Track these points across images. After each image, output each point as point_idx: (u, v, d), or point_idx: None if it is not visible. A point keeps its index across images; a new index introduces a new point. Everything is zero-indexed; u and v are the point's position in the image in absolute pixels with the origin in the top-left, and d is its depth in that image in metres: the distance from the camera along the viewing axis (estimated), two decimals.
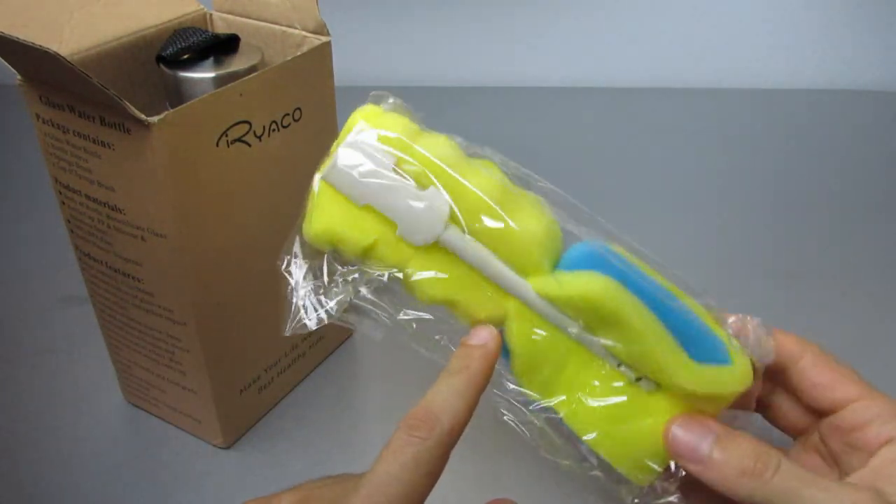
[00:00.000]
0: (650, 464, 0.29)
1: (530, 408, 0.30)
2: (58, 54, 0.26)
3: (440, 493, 0.39)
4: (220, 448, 0.40)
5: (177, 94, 0.36)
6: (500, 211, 0.28)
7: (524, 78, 0.82)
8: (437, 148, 0.29)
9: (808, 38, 0.80)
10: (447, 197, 0.28)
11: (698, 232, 0.59)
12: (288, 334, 0.29)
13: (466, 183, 0.28)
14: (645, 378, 0.29)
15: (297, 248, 0.30)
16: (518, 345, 0.29)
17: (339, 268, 0.29)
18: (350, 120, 0.29)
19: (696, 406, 0.29)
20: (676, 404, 0.29)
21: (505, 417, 0.30)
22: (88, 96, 0.30)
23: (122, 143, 0.31)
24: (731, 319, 0.31)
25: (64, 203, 0.35)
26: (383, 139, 0.28)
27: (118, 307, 0.38)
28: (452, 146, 0.30)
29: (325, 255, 0.29)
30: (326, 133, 0.39)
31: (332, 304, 0.29)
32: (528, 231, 0.29)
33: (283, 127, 0.36)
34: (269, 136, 0.35)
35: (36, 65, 0.30)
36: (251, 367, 0.40)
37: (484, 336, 0.28)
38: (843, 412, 0.30)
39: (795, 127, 0.75)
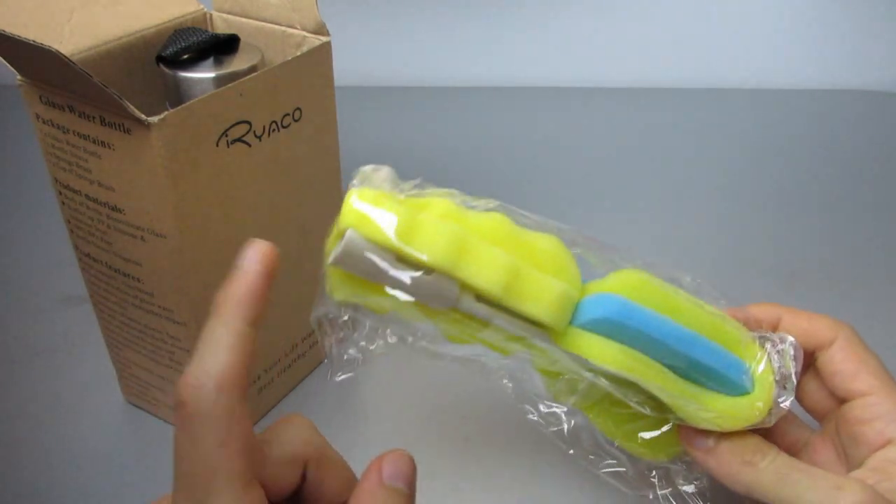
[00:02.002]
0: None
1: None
2: (58, 52, 0.26)
3: (441, 493, 0.39)
4: None
5: (177, 94, 0.36)
6: (518, 279, 0.28)
7: (524, 78, 0.82)
8: (435, 234, 0.27)
9: (808, 38, 0.80)
10: (454, 282, 0.27)
11: (698, 232, 0.59)
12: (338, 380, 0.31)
13: (485, 251, 0.28)
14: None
15: (322, 303, 0.29)
16: (546, 377, 0.33)
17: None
18: (344, 210, 0.27)
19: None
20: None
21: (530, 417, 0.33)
22: (88, 96, 0.30)
23: (122, 143, 0.31)
24: (769, 338, 0.32)
25: (64, 203, 0.35)
26: (380, 240, 0.27)
27: (118, 307, 0.38)
28: (448, 203, 0.29)
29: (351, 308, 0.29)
30: (326, 133, 0.39)
31: (375, 345, 0.30)
32: (547, 290, 0.28)
33: (283, 127, 0.36)
34: (269, 136, 0.35)
35: (36, 64, 0.30)
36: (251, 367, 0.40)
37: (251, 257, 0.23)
38: (853, 403, 0.30)
39: (795, 127, 0.75)
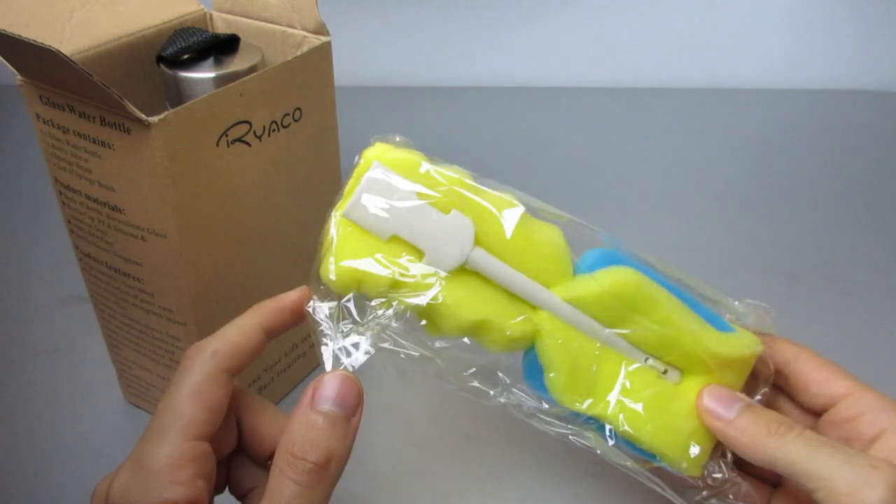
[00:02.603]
0: (694, 446, 0.30)
1: (577, 421, 0.31)
2: (59, 52, 0.26)
3: (443, 492, 0.39)
4: None
5: (177, 94, 0.36)
6: (524, 223, 0.29)
7: (524, 78, 0.82)
8: (452, 174, 0.30)
9: (808, 38, 0.80)
10: (470, 220, 0.29)
11: (698, 232, 0.59)
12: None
13: (486, 204, 0.29)
14: (670, 368, 0.31)
15: (314, 295, 0.29)
16: (555, 358, 0.30)
17: (368, 303, 0.29)
18: (362, 159, 0.30)
19: (723, 381, 0.31)
20: (703, 383, 0.31)
21: (558, 431, 0.31)
22: (89, 96, 0.30)
23: (122, 143, 0.31)
24: (737, 302, 0.33)
25: (64, 203, 0.35)
26: (401, 171, 0.29)
27: (118, 307, 0.38)
28: (465, 173, 0.30)
29: (351, 295, 0.29)
30: (326, 133, 0.39)
31: (367, 342, 0.28)
32: (551, 242, 0.30)
33: (283, 127, 0.36)
34: (269, 136, 0.35)
35: (36, 64, 0.30)
36: (251, 367, 0.40)
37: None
38: (838, 406, 0.31)
39: (795, 127, 0.75)
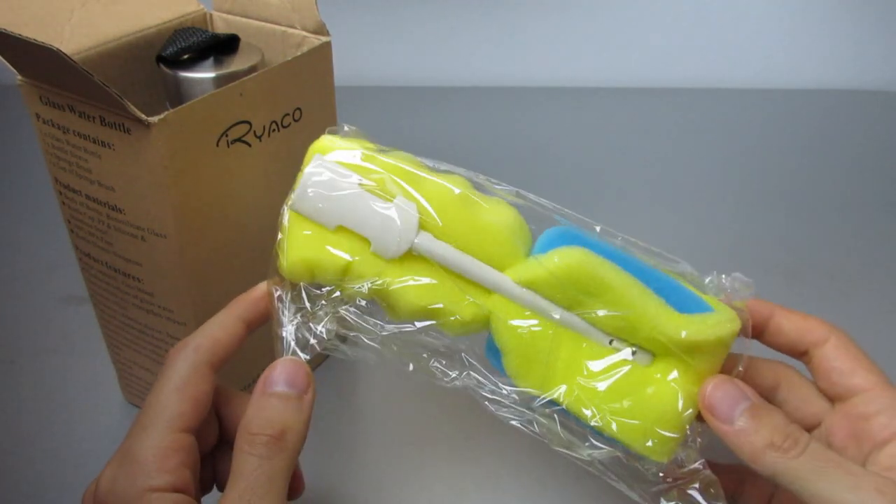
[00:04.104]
0: (663, 433, 0.29)
1: (533, 405, 0.30)
2: (59, 51, 0.26)
3: (440, 492, 0.39)
4: None
5: (177, 94, 0.36)
6: (468, 206, 0.29)
7: (524, 78, 0.82)
8: (396, 158, 0.30)
9: (809, 38, 0.80)
10: (414, 204, 0.29)
11: (698, 232, 0.59)
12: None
13: (434, 179, 0.29)
14: (639, 349, 0.29)
15: (273, 286, 0.30)
16: (508, 341, 0.29)
17: (318, 290, 0.30)
18: (308, 152, 0.30)
19: (695, 367, 0.29)
20: (674, 368, 0.29)
21: (512, 423, 0.30)
22: (89, 95, 0.30)
23: (122, 143, 0.31)
24: (708, 279, 0.32)
25: (64, 203, 0.35)
26: (343, 161, 0.30)
27: (118, 307, 0.38)
28: (411, 158, 0.30)
29: (302, 284, 0.30)
30: None
31: (320, 328, 0.29)
32: (498, 223, 0.29)
33: (283, 127, 0.36)
34: (269, 136, 0.35)
35: (36, 63, 0.30)
36: (251, 367, 0.40)
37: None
38: (854, 399, 0.30)
39: (795, 127, 0.75)
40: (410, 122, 0.74)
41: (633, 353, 0.29)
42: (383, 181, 0.29)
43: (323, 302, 0.30)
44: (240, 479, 0.26)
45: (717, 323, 0.28)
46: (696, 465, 0.29)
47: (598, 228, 0.31)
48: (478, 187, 0.31)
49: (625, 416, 0.29)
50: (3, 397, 0.43)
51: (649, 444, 0.29)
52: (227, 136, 0.33)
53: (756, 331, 0.32)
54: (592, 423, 0.29)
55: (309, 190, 0.29)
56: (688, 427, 0.29)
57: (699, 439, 0.29)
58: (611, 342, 0.29)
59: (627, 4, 0.78)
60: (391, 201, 0.29)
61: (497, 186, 0.31)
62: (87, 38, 0.36)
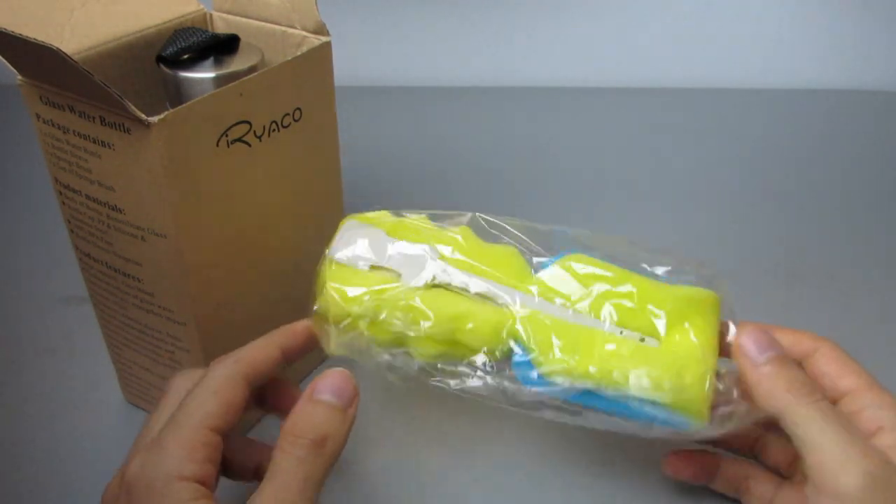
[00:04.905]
0: (696, 385, 0.30)
1: (566, 398, 0.32)
2: (59, 50, 0.26)
3: (441, 493, 0.39)
4: None
5: (177, 94, 0.36)
6: (478, 244, 0.35)
7: (523, 78, 0.82)
8: (412, 218, 0.36)
9: (809, 38, 0.80)
10: (430, 245, 0.34)
11: (698, 232, 0.59)
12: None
13: (446, 230, 0.35)
14: (647, 337, 0.32)
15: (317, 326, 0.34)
16: (535, 336, 0.32)
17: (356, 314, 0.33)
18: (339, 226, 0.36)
19: (695, 329, 0.32)
20: (677, 334, 0.32)
21: (560, 420, 0.33)
22: (89, 95, 0.30)
23: (122, 143, 0.31)
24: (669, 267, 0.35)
25: (64, 203, 0.35)
26: (372, 221, 0.36)
27: (118, 307, 0.38)
28: (424, 218, 0.36)
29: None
30: (326, 133, 0.39)
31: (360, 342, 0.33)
32: (505, 251, 0.35)
33: (283, 127, 0.36)
34: (269, 136, 0.35)
35: (36, 63, 0.30)
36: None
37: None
38: (844, 399, 0.32)
39: (796, 127, 0.75)
40: (410, 122, 0.74)
41: (642, 339, 0.32)
42: (406, 229, 0.35)
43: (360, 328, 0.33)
44: (277, 475, 0.27)
45: (701, 288, 0.33)
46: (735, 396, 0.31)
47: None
48: (478, 229, 0.36)
49: (658, 375, 0.31)
50: (3, 397, 0.43)
51: (684, 393, 0.30)
52: (227, 136, 0.33)
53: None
54: (632, 389, 0.31)
55: (345, 240, 0.34)
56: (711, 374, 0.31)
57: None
58: (622, 332, 0.32)
59: (627, 4, 0.78)
60: (416, 242, 0.34)
61: (495, 219, 0.36)
62: (87, 38, 0.36)
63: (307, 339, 0.34)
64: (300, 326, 0.34)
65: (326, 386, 0.29)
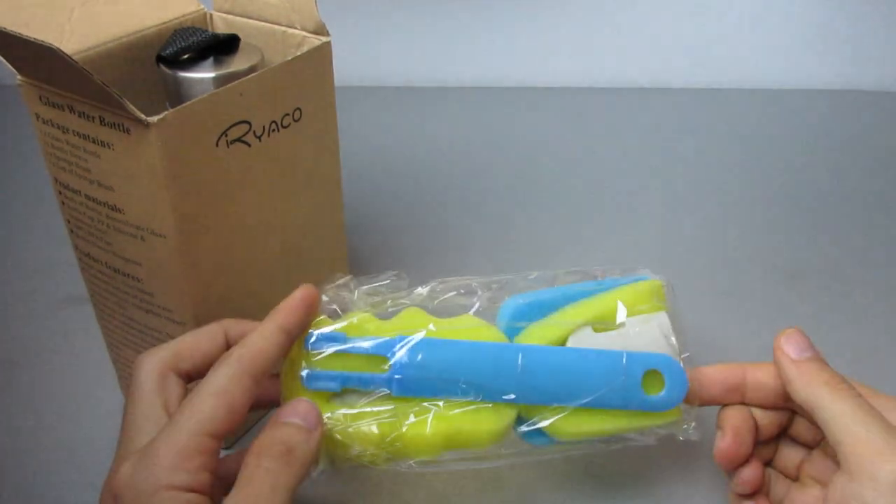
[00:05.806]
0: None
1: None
2: (59, 50, 0.26)
3: (440, 489, 0.39)
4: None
5: (177, 94, 0.36)
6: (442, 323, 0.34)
7: (524, 78, 0.82)
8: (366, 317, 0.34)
9: (809, 38, 0.80)
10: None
11: (698, 232, 0.59)
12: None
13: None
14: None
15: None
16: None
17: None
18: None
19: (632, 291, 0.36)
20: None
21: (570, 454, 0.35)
22: (89, 95, 0.30)
23: (122, 143, 0.31)
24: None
25: (64, 203, 0.35)
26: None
27: (118, 307, 0.38)
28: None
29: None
30: (326, 133, 0.39)
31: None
32: (473, 321, 0.35)
33: (283, 127, 0.36)
34: (269, 136, 0.35)
35: (36, 63, 0.30)
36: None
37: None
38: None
39: (796, 127, 0.75)
40: (410, 122, 0.74)
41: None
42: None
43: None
44: (244, 486, 0.27)
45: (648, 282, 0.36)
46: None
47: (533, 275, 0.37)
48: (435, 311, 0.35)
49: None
50: (3, 397, 0.43)
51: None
52: (226, 136, 0.33)
53: (737, 395, 0.35)
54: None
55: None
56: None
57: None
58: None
59: (627, 4, 0.78)
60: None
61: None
62: (87, 38, 0.36)
63: (309, 308, 0.32)
64: (294, 301, 0.32)
65: (291, 412, 0.30)
